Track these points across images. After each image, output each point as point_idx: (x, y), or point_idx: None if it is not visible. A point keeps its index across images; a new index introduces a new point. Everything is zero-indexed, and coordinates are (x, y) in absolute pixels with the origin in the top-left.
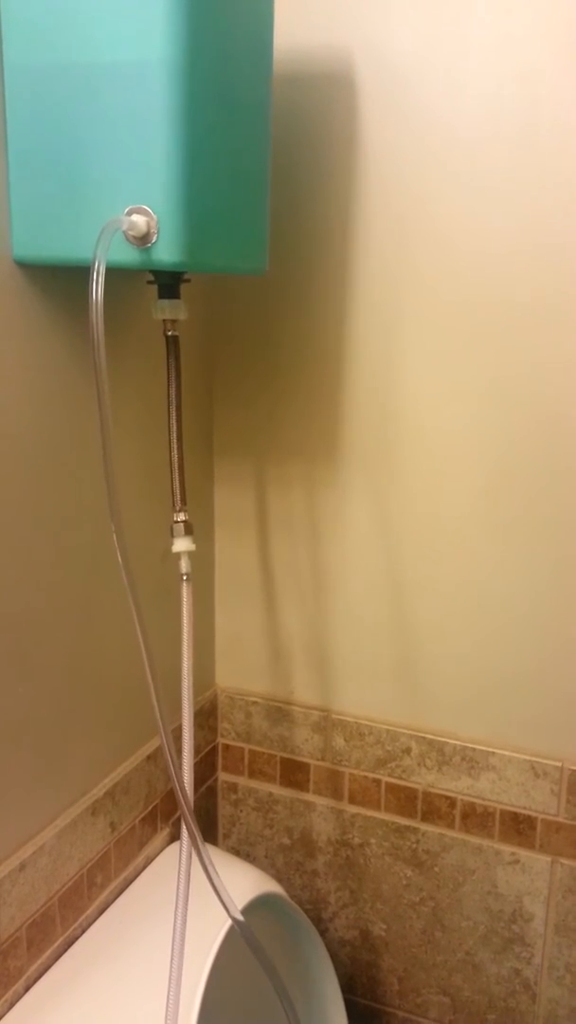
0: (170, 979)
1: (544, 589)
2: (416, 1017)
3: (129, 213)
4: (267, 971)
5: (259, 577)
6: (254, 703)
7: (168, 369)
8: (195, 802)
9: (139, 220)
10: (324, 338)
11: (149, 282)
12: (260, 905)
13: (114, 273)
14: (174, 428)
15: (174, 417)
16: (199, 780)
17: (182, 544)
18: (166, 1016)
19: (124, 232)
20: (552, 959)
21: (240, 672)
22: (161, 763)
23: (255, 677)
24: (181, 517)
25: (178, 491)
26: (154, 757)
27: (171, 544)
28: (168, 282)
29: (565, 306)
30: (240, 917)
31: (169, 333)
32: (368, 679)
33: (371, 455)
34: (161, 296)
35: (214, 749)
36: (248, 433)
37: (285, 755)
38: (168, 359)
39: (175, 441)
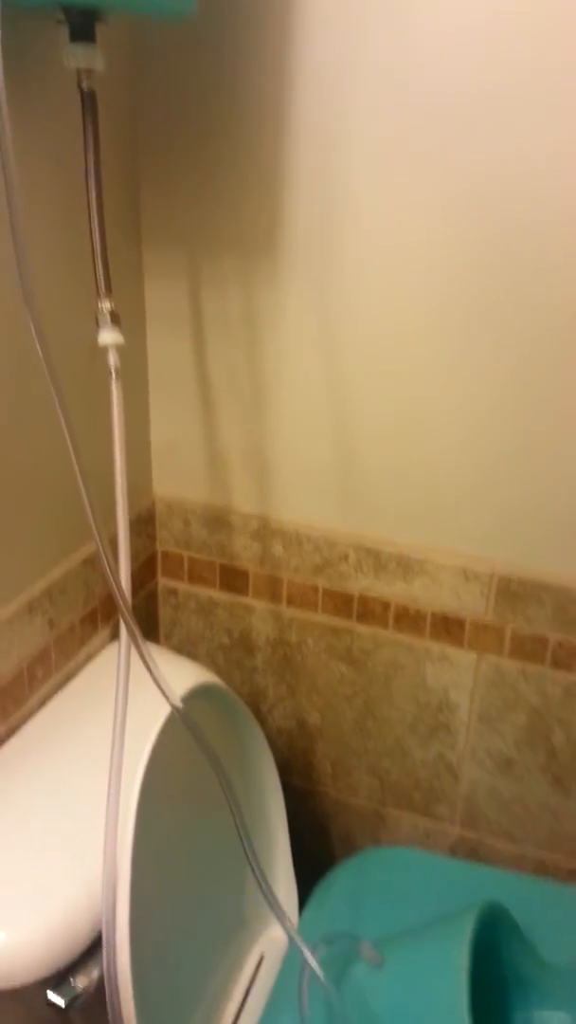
0: (112, 759)
1: (485, 401)
2: (347, 797)
3: None
4: (206, 754)
5: (195, 381)
6: (193, 511)
7: (85, 131)
8: (136, 606)
9: None
10: (261, 106)
11: (59, 21)
12: (200, 695)
13: (20, 16)
14: (93, 202)
15: (93, 189)
16: (138, 584)
17: (109, 336)
18: (108, 791)
19: None
20: (474, 745)
21: (177, 480)
22: (99, 568)
23: (193, 485)
24: (107, 306)
25: (102, 275)
26: (91, 561)
27: (97, 337)
28: (80, 21)
29: (533, 105)
30: (179, 703)
31: (84, 86)
32: (307, 487)
33: (314, 248)
34: (73, 39)
35: (153, 556)
36: (179, 220)
37: (224, 562)
38: (84, 119)
39: (95, 217)
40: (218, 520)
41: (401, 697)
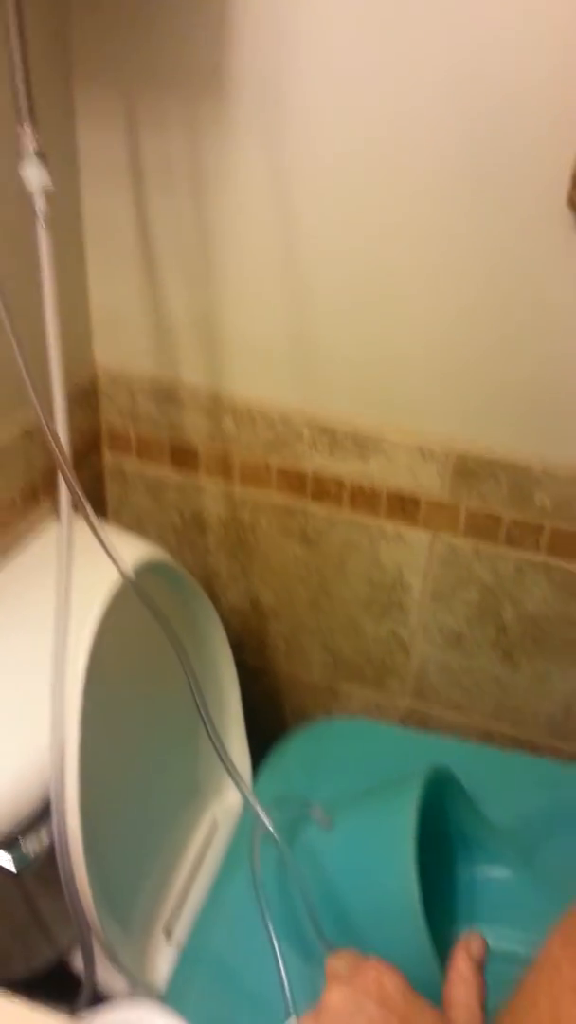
0: (56, 625)
1: (450, 273)
2: (300, 674)
3: None
4: (159, 620)
5: (136, 241)
6: (138, 384)
7: None
8: (83, 483)
9: None
10: None
11: None
12: (150, 571)
13: None
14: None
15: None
16: (83, 460)
17: (34, 175)
18: (54, 655)
19: None
20: (426, 622)
21: (122, 351)
22: (40, 439)
23: (138, 356)
24: (29, 136)
25: (23, 95)
26: (32, 434)
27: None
28: None
29: None
30: (131, 573)
31: None
32: (260, 361)
33: (267, 88)
34: None
35: (97, 431)
36: (115, 55)
37: (174, 438)
38: None
39: (14, 23)
40: (166, 394)
41: (355, 576)
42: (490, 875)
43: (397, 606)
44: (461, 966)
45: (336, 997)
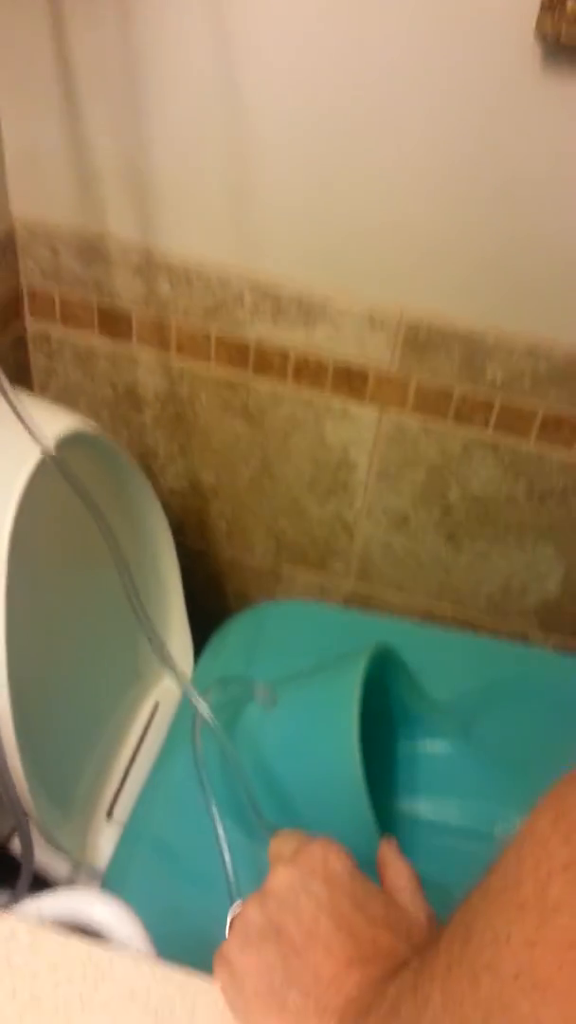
0: None
1: (409, 121)
2: (243, 556)
3: None
4: (83, 500)
5: (54, 71)
6: (61, 238)
7: None
8: (2, 353)
9: None
10: None
11: None
12: (78, 445)
13: None
14: None
15: None
16: (2, 325)
17: None
18: None
19: None
20: (371, 503)
21: (41, 199)
22: None
23: (60, 206)
24: None
25: None
26: None
27: None
28: None
29: None
30: (51, 446)
31: None
32: (197, 214)
33: None
34: None
35: (17, 292)
36: None
37: (103, 301)
38: None
39: None
40: (93, 250)
41: (299, 456)
42: (430, 749)
43: (342, 486)
44: (390, 857)
45: (280, 878)
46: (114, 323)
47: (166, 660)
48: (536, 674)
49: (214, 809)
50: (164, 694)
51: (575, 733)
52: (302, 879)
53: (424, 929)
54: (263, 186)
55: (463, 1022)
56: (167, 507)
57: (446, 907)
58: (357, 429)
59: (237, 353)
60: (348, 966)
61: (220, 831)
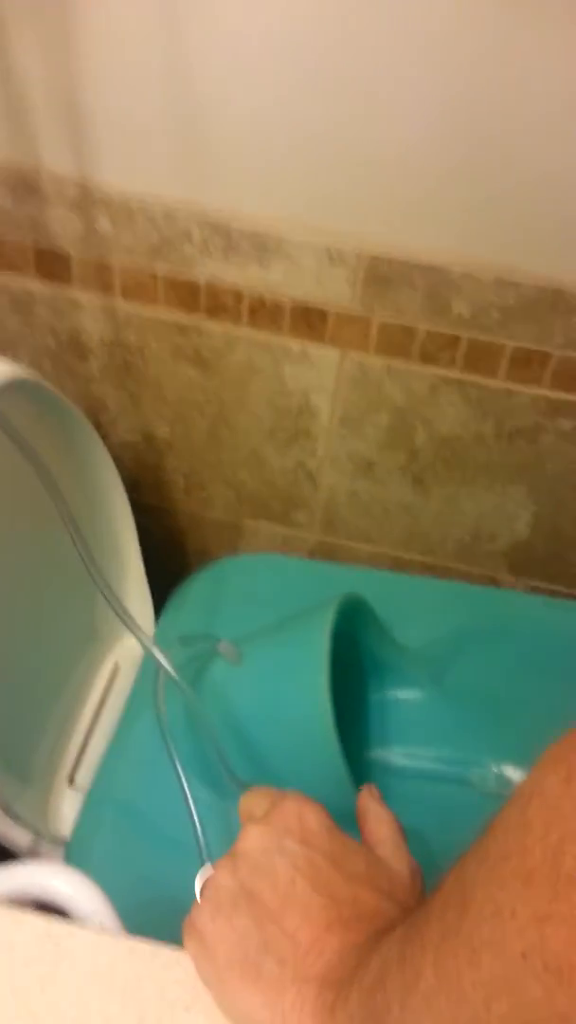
0: None
1: (370, 28)
2: (202, 511)
3: None
4: (23, 452)
5: None
6: None
7: None
8: None
9: None
10: None
11: None
12: (16, 394)
13: None
14: None
15: None
16: None
17: None
18: None
19: None
20: (335, 450)
21: None
22: None
23: None
24: None
25: None
26: None
27: None
28: None
29: None
30: None
31: None
32: (137, 141)
33: None
34: None
35: None
36: None
37: (39, 241)
38: None
39: None
40: (24, 185)
41: (257, 403)
42: (401, 697)
43: (304, 433)
44: (371, 805)
45: (252, 838)
46: (52, 264)
47: (124, 619)
48: (507, 617)
49: (179, 767)
50: (124, 655)
51: (546, 675)
52: (275, 838)
53: (408, 886)
54: (210, 109)
55: (462, 1002)
56: (119, 462)
57: (424, 856)
58: (318, 372)
59: (187, 294)
60: (327, 930)
61: (186, 789)
